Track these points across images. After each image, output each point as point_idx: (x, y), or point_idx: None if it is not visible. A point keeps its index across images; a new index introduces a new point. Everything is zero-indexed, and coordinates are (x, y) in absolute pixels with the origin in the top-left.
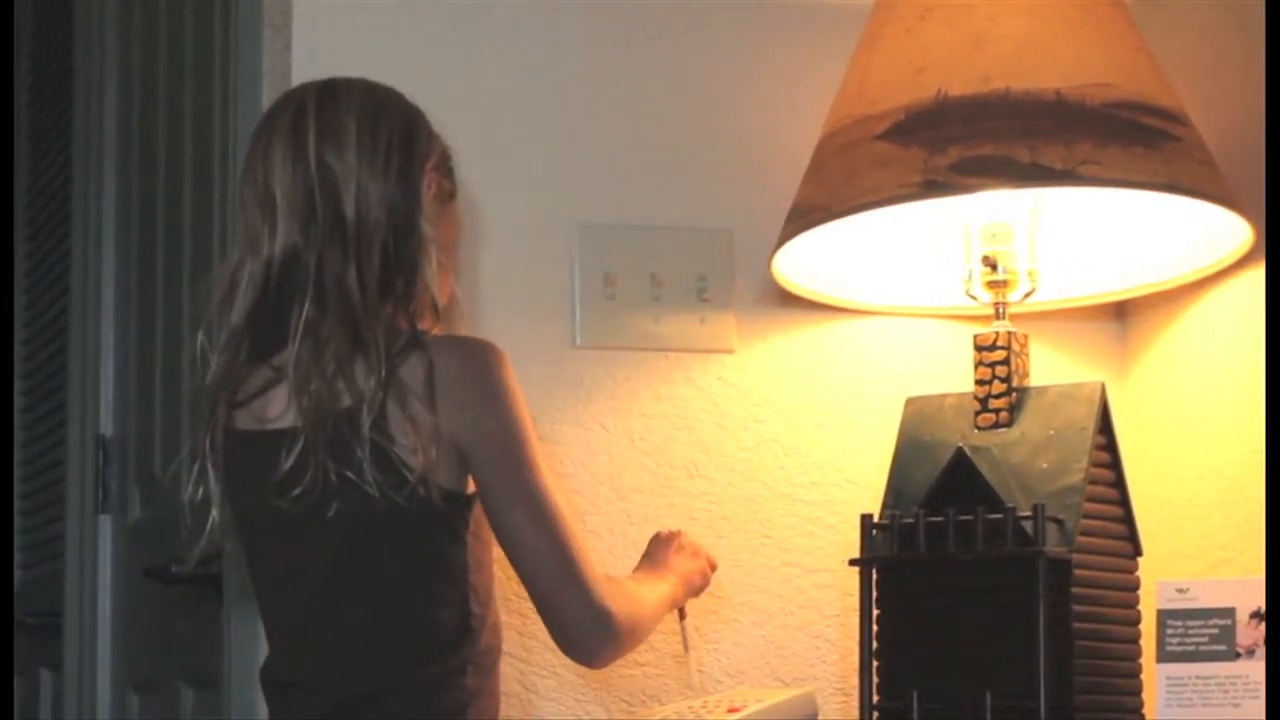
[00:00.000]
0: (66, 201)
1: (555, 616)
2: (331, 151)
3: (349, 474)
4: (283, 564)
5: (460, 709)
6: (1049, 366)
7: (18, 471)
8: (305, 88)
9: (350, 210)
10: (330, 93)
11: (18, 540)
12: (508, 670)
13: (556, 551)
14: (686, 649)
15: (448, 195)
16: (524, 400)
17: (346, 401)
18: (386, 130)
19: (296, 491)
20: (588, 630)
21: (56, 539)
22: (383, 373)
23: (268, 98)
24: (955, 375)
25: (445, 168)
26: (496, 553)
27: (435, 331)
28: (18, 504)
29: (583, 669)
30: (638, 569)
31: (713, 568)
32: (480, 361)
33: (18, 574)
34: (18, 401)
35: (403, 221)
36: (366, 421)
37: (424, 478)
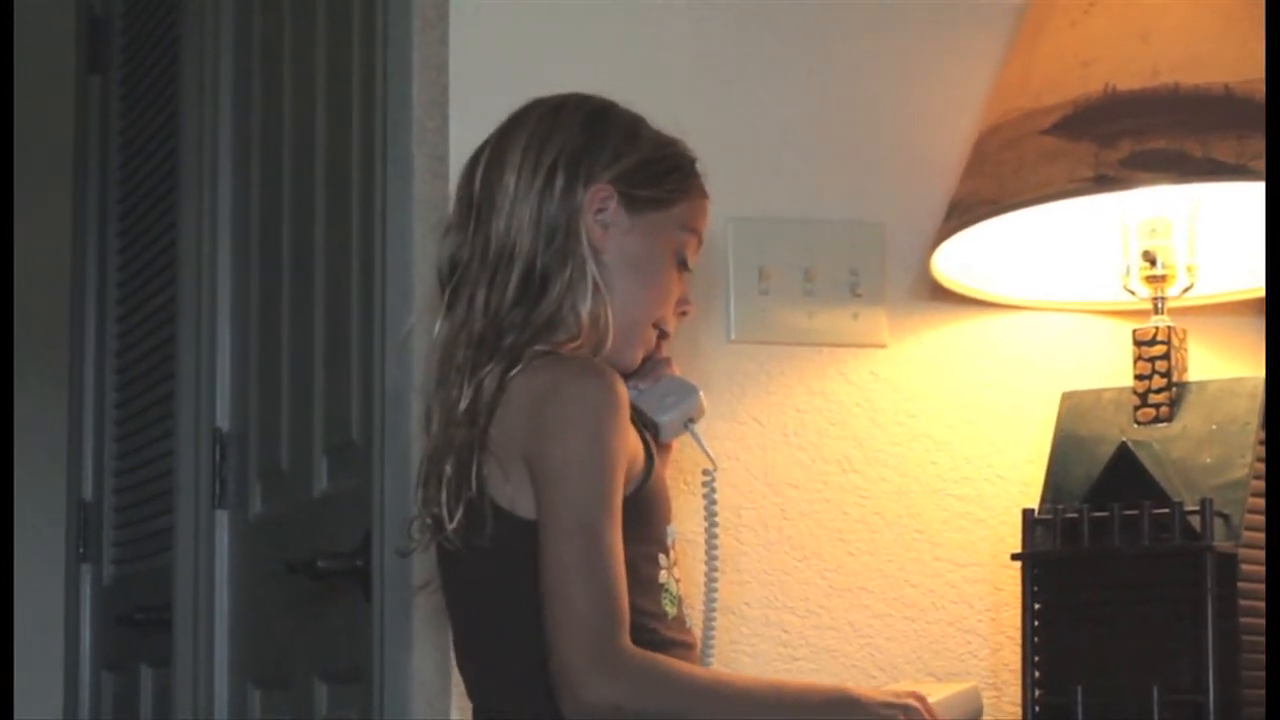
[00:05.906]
0: (170, 193)
1: (550, 658)
2: (495, 171)
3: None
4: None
5: None
6: (1192, 361)
7: (112, 465)
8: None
9: (498, 229)
10: (526, 111)
11: (115, 535)
12: None
13: (568, 602)
14: None
15: (645, 204)
16: (609, 435)
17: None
18: (555, 149)
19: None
20: (561, 687)
21: (158, 534)
22: (474, 394)
23: (419, 92)
24: (1107, 370)
25: (639, 176)
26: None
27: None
28: (113, 499)
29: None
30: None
31: None
32: (562, 385)
33: (113, 569)
34: (111, 396)
35: (561, 242)
36: (449, 446)
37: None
